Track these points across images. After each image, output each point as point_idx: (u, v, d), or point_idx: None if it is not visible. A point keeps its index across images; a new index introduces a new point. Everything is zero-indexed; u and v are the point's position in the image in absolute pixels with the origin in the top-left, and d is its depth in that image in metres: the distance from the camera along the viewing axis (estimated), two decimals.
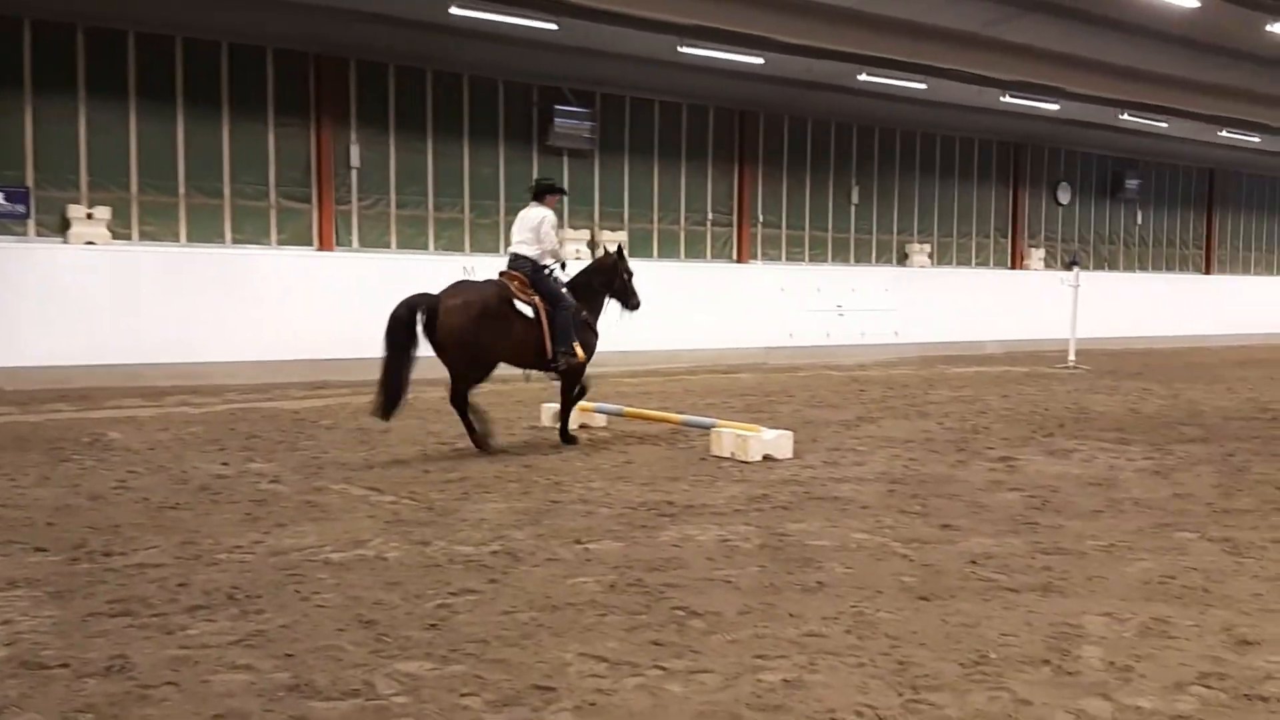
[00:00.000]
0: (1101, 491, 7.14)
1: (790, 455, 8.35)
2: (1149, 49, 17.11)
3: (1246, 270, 30.39)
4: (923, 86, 18.25)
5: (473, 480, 7.37)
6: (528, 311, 8.60)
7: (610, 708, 3.48)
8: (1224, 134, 23.60)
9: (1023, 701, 3.51)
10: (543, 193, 9.10)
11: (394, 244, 16.71)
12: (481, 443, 8.57)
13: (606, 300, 9.44)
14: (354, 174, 16.17)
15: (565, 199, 15.06)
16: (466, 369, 8.44)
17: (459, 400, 8.52)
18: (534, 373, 9.08)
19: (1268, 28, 15.37)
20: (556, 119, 17.61)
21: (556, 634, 4.18)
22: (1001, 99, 19.40)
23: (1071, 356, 18.45)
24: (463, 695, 3.57)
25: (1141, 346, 24.41)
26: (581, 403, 9.69)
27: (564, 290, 8.91)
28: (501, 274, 8.85)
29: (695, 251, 20.06)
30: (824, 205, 21.70)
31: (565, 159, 18.25)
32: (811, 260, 21.57)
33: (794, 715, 3.41)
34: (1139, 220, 27.45)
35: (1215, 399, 13.24)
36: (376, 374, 8.21)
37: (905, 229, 23.05)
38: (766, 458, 8.21)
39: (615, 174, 18.90)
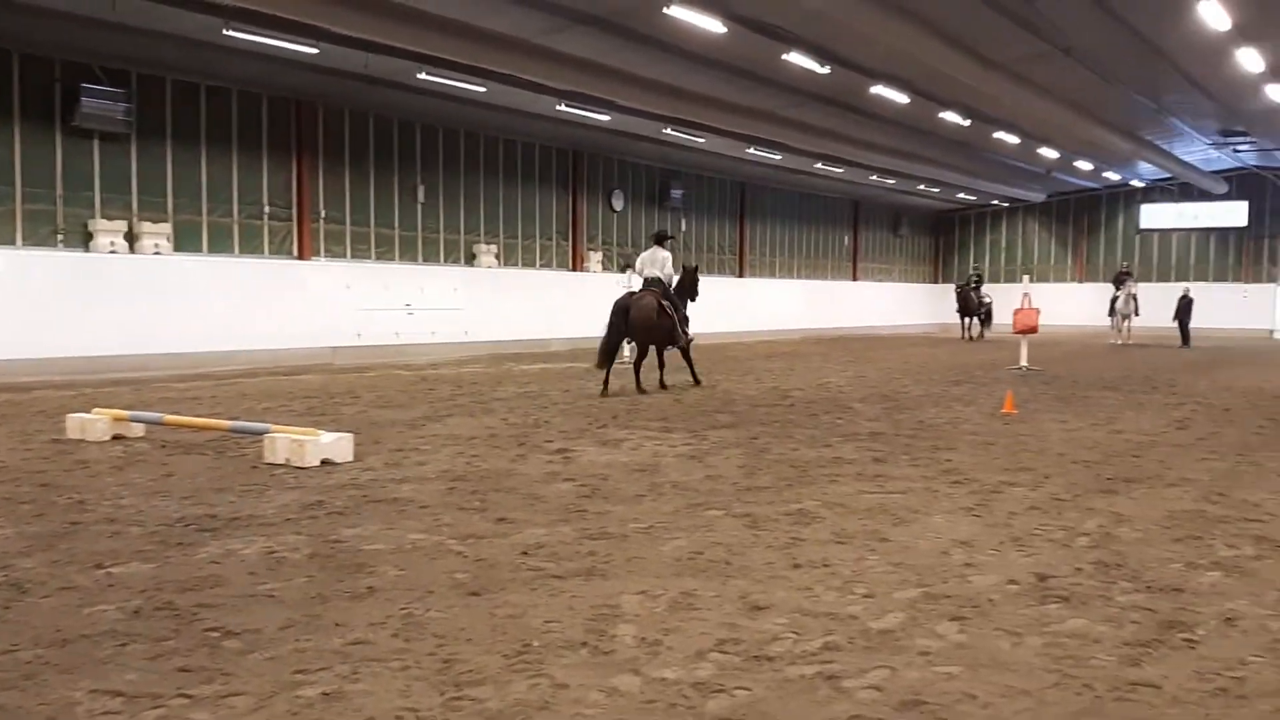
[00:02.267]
0: (645, 477, 7.63)
1: (351, 458, 8.11)
2: (688, 69, 18.65)
3: (773, 274, 34.19)
4: (482, 89, 18.57)
5: None
6: (669, 311, 13.79)
7: None
8: (751, 151, 26.32)
9: (560, 685, 3.62)
10: (662, 239, 14.63)
11: None
12: (640, 388, 13.87)
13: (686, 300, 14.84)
14: None
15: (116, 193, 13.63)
16: (644, 344, 13.82)
17: (637, 365, 14.11)
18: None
19: (784, 57, 17.31)
20: (84, 98, 15.89)
21: (65, 671, 3.71)
22: (558, 107, 20.24)
23: (626, 352, 19.63)
24: None
25: None
26: (116, 411, 9.17)
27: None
28: (644, 290, 13.86)
29: (252, 246, 18.99)
30: (390, 202, 21.45)
31: (96, 142, 16.52)
32: (378, 258, 21.24)
33: None
34: (683, 227, 29.92)
35: (745, 388, 14.71)
36: None
37: (473, 229, 23.38)
38: (325, 462, 7.91)
39: (156, 161, 17.39)
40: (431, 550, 5.49)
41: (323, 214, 20.07)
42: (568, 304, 24.46)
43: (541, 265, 25.27)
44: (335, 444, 8.11)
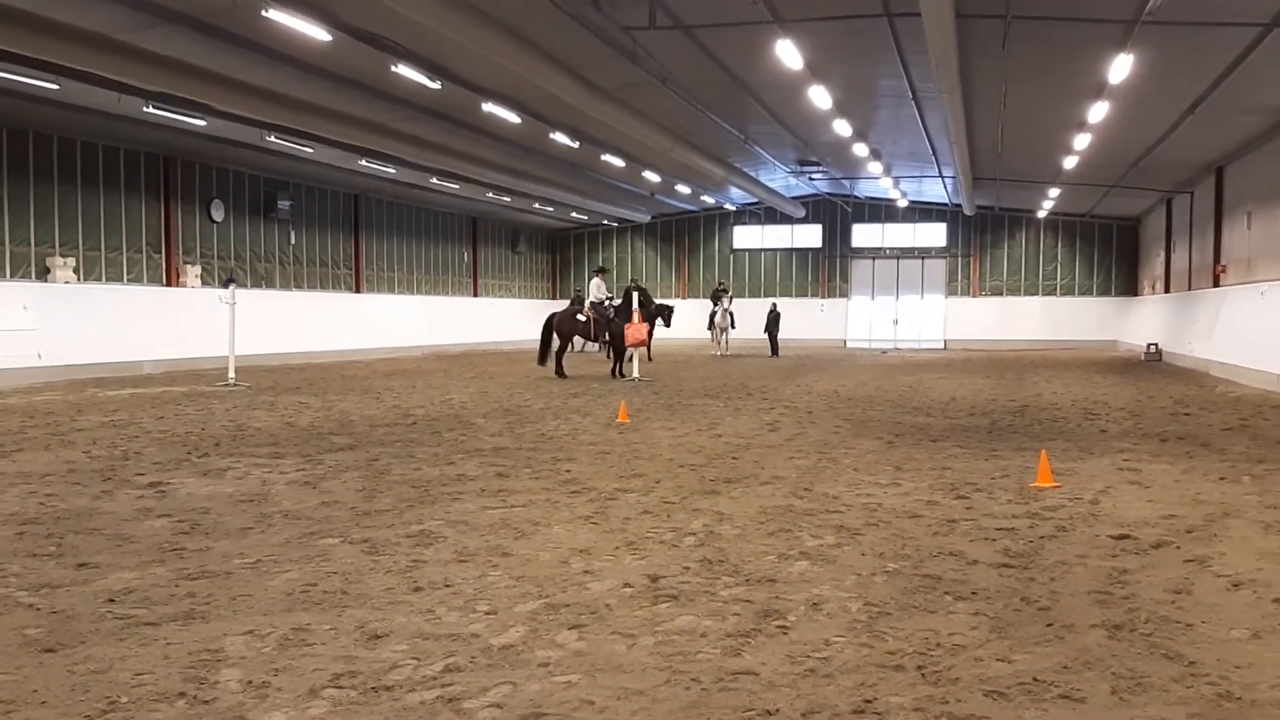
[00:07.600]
0: (253, 507, 7.14)
1: None
2: (291, 75, 17.82)
3: (392, 289, 33.54)
4: (54, 86, 16.65)
5: None
6: (581, 319, 20.64)
7: None
8: (364, 163, 25.67)
9: None
10: (599, 272, 22.91)
11: None
12: (560, 372, 20.40)
13: (635, 309, 19.89)
14: None
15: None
16: (564, 341, 20.80)
17: (560, 356, 20.71)
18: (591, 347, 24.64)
19: (394, 69, 16.99)
20: None
21: None
22: (145, 109, 18.62)
23: (231, 374, 18.43)
24: None
25: (300, 361, 25.46)
26: None
27: (607, 310, 20.85)
28: (588, 308, 20.91)
29: None
30: None
31: None
32: None
33: None
34: (292, 240, 28.61)
35: (365, 408, 14.25)
36: None
37: (45, 240, 20.96)
38: None
39: None
40: None
41: None
42: (162, 322, 22.53)
43: (130, 280, 23.09)
44: None
